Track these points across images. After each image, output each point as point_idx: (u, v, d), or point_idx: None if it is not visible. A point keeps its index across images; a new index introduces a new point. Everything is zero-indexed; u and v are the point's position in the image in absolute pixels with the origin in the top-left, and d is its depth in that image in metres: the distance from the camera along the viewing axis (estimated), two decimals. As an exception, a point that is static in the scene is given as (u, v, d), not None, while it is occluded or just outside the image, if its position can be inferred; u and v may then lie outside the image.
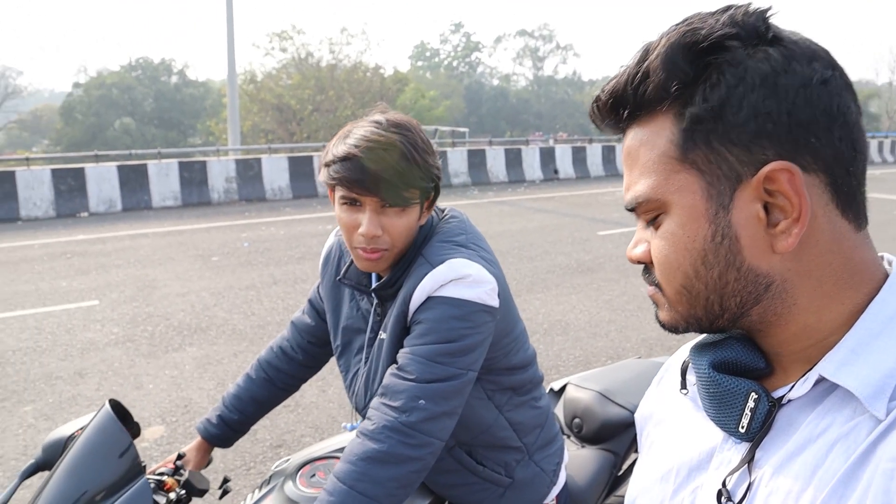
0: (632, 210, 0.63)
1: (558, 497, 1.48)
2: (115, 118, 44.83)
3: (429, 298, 1.23)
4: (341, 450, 1.51)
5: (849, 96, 0.56)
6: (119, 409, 1.31)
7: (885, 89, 55.83)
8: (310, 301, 1.60)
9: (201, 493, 1.39)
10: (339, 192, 1.25)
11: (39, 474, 1.37)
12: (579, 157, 17.27)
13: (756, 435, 0.58)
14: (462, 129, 31.13)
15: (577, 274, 6.90)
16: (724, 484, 0.60)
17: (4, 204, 11.40)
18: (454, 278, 1.22)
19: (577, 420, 1.78)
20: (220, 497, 1.48)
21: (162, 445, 3.40)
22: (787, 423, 0.58)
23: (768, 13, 0.57)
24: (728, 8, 0.57)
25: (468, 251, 1.28)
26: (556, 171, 16.70)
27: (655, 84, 0.57)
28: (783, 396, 0.58)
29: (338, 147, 1.23)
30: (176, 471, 1.42)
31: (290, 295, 6.15)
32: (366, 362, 1.39)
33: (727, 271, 0.58)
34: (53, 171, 11.94)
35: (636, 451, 1.78)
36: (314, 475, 1.44)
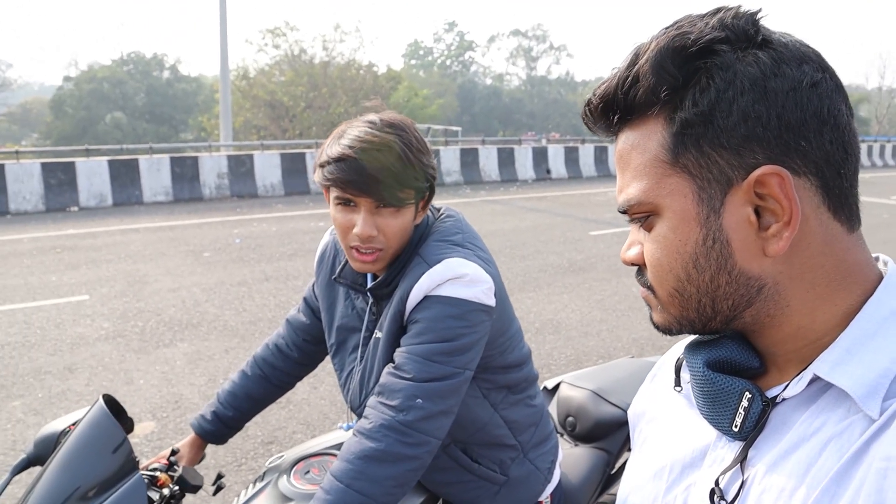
0: (624, 212, 0.63)
1: (552, 495, 1.49)
2: (106, 112, 44.51)
3: (426, 298, 1.23)
4: (336, 447, 1.51)
5: (839, 98, 0.56)
6: (113, 405, 1.30)
7: (874, 94, 56.21)
8: (305, 299, 1.60)
9: (195, 489, 1.39)
10: (333, 193, 1.25)
11: (31, 469, 1.36)
12: (572, 157, 17.30)
13: (749, 434, 0.59)
14: (455, 128, 31.10)
15: (569, 273, 6.92)
16: (716, 482, 0.60)
17: (-7, 197, 11.31)
18: (451, 277, 1.22)
19: (570, 418, 1.79)
20: (214, 493, 1.48)
21: (153, 441, 3.39)
22: (780, 421, 0.58)
23: (758, 16, 0.57)
24: (718, 10, 0.58)
25: (465, 250, 1.28)
26: (548, 171, 16.72)
27: (645, 89, 0.57)
28: (777, 395, 0.59)
29: (332, 147, 1.23)
30: (169, 467, 1.41)
31: (282, 291, 6.13)
32: (361, 361, 1.39)
33: (719, 275, 0.58)
34: (43, 164, 11.85)
35: (629, 449, 1.79)
36: (308, 472, 1.44)
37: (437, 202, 1.28)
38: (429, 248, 1.28)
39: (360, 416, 1.40)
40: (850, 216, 0.58)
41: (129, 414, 1.35)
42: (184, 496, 1.38)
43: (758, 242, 0.57)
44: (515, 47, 73.15)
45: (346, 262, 1.39)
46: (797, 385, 0.57)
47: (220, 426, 1.56)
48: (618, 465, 1.78)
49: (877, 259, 0.62)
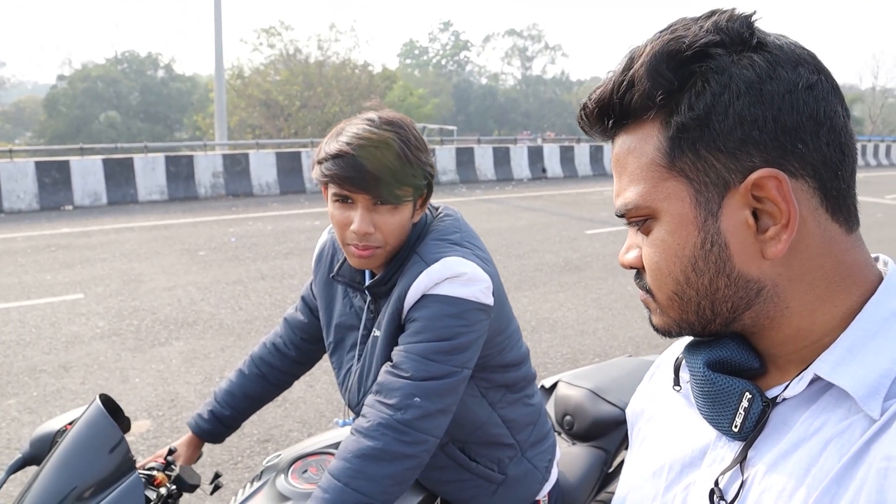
0: (622, 216, 0.63)
1: (550, 493, 1.49)
2: (101, 111, 44.38)
3: (424, 296, 1.23)
4: (333, 446, 1.51)
5: (835, 100, 0.56)
6: (109, 404, 1.30)
7: (868, 94, 56.45)
8: (303, 298, 1.60)
9: (192, 488, 1.38)
10: (331, 190, 1.25)
11: (27, 469, 1.36)
12: (567, 156, 17.32)
13: (749, 435, 0.59)
14: (450, 128, 31.12)
15: (565, 272, 6.92)
16: (716, 483, 0.60)
17: (-13, 196, 11.26)
18: (449, 276, 1.22)
19: (568, 417, 1.79)
20: (212, 493, 1.47)
21: (148, 440, 3.38)
22: (781, 421, 0.58)
23: (752, 18, 0.57)
24: (712, 13, 0.57)
25: (463, 249, 1.28)
26: (544, 170, 16.73)
27: (640, 93, 0.57)
28: (777, 396, 0.59)
29: (330, 144, 1.23)
30: (167, 466, 1.41)
31: (278, 290, 6.12)
32: (359, 359, 1.38)
33: (717, 278, 0.58)
34: (37, 163, 11.80)
35: (627, 448, 1.79)
36: (306, 471, 1.43)
37: (433, 201, 1.27)
38: (427, 247, 1.28)
39: (358, 414, 1.39)
40: (849, 217, 0.58)
41: (125, 413, 1.34)
42: (181, 495, 1.38)
43: (756, 245, 0.57)
44: (510, 47, 73.19)
45: (345, 260, 1.39)
46: (798, 385, 0.57)
47: (218, 425, 1.56)
48: (615, 463, 1.78)
49: (876, 259, 0.62)
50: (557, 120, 61.59)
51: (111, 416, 1.24)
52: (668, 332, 0.65)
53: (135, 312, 5.48)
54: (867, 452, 0.51)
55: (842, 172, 0.56)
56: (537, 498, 1.46)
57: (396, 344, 1.26)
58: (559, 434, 1.81)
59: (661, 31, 0.59)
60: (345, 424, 1.57)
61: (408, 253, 1.30)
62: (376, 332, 1.33)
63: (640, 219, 0.62)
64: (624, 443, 1.76)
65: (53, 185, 11.70)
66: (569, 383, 1.85)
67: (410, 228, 1.31)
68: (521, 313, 5.44)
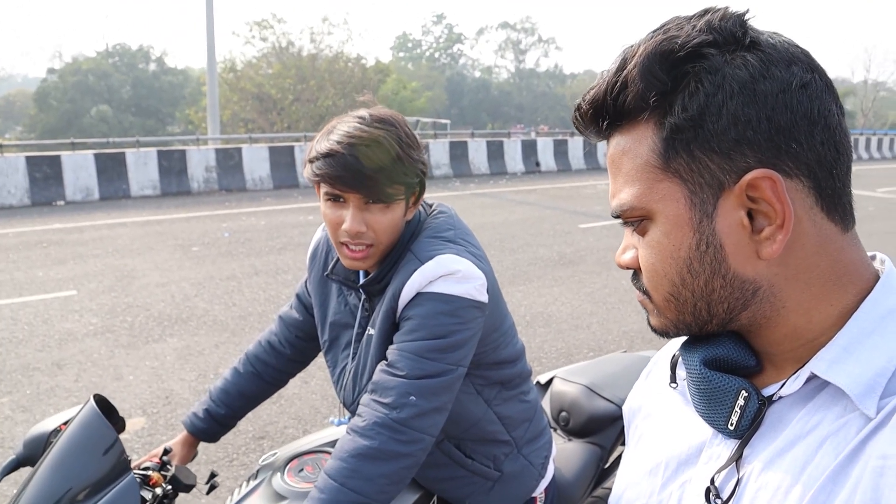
0: (618, 217, 0.63)
1: (546, 490, 1.49)
2: (92, 105, 44.09)
3: (418, 294, 1.23)
4: (329, 444, 1.51)
5: (829, 98, 0.56)
6: (103, 404, 1.29)
7: (860, 87, 56.65)
8: (297, 296, 1.59)
9: (188, 488, 1.38)
10: (323, 189, 1.25)
11: (21, 470, 1.35)
12: (561, 149, 17.32)
13: (745, 433, 0.59)
14: (444, 121, 31.04)
15: (559, 266, 6.93)
16: (712, 481, 0.61)
17: (-22, 192, 11.18)
18: (443, 274, 1.22)
19: (563, 413, 1.79)
20: (208, 492, 1.47)
21: (143, 437, 3.37)
22: (777, 419, 0.58)
23: (745, 17, 0.57)
24: (705, 12, 0.57)
25: (457, 247, 1.28)
26: (537, 164, 16.73)
27: (634, 94, 0.57)
28: (773, 394, 0.59)
29: (321, 143, 1.23)
30: (162, 466, 1.40)
31: (272, 286, 6.11)
32: (353, 358, 1.38)
33: (713, 279, 0.58)
34: (28, 158, 11.72)
35: (623, 444, 1.80)
36: (302, 469, 1.43)
37: (426, 196, 1.27)
38: (421, 245, 1.28)
39: (353, 412, 1.39)
40: (844, 216, 0.58)
41: (119, 410, 1.34)
42: (177, 495, 1.37)
43: (751, 245, 0.56)
44: (504, 40, 73.09)
45: (339, 258, 1.39)
46: (794, 383, 0.57)
47: (213, 424, 1.55)
48: (611, 459, 1.79)
49: (873, 258, 0.62)
50: (551, 113, 61.59)
51: (105, 416, 1.23)
52: (666, 333, 0.65)
53: (128, 309, 5.46)
54: (863, 450, 0.51)
55: (837, 171, 0.56)
56: (534, 494, 1.46)
57: (391, 342, 1.26)
58: (555, 430, 1.81)
59: (653, 31, 0.58)
60: (340, 423, 1.57)
61: (402, 251, 1.29)
62: (371, 331, 1.33)
63: (636, 219, 0.61)
64: (620, 438, 1.76)
65: (45, 180, 11.63)
66: (564, 379, 1.85)
67: (404, 226, 1.30)
68: (515, 308, 5.45)
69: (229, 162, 13.22)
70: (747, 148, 0.54)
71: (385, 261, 1.30)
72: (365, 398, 1.22)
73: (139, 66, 48.86)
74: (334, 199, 1.23)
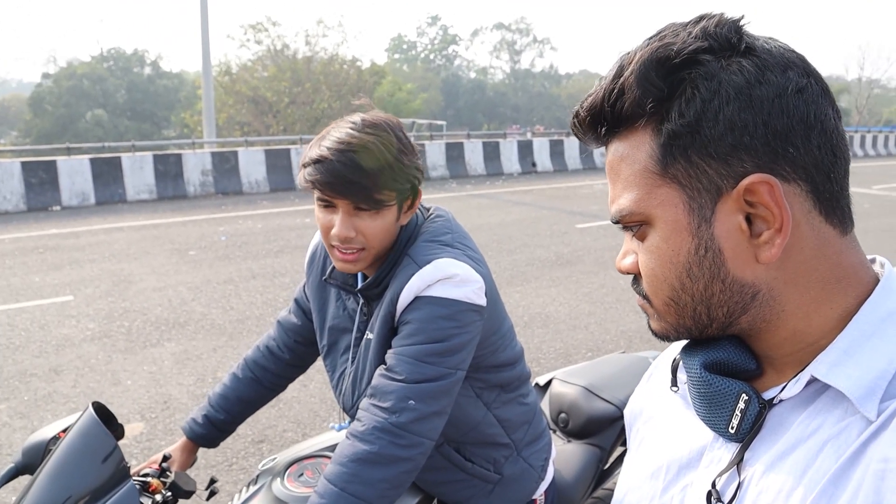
0: (617, 223, 0.63)
1: (546, 492, 1.49)
2: (87, 110, 43.98)
3: (416, 298, 1.23)
4: (329, 448, 1.51)
5: (826, 102, 0.56)
6: (102, 412, 1.29)
7: (854, 85, 56.83)
8: (296, 300, 1.59)
9: (188, 494, 1.38)
10: (315, 194, 1.25)
11: (20, 478, 1.35)
12: (557, 150, 17.34)
13: (746, 436, 0.59)
14: (439, 122, 31.09)
15: (557, 267, 6.94)
16: (713, 484, 0.61)
17: (-27, 198, 11.14)
18: (441, 278, 1.22)
19: (563, 415, 1.79)
20: (207, 498, 1.47)
21: (142, 442, 3.36)
22: (777, 422, 0.58)
23: (741, 23, 0.57)
24: (701, 19, 0.58)
25: (455, 250, 1.28)
26: (534, 165, 16.74)
27: (631, 101, 0.57)
28: (774, 397, 0.59)
29: (312, 149, 1.23)
30: (162, 472, 1.40)
31: (269, 289, 6.10)
32: (352, 362, 1.38)
33: (712, 283, 0.59)
34: (23, 163, 11.68)
35: (622, 444, 1.80)
36: (302, 474, 1.43)
37: (423, 197, 1.27)
38: (418, 249, 1.28)
39: (352, 417, 1.39)
40: (843, 219, 0.58)
41: (118, 415, 1.34)
42: (177, 501, 1.37)
43: (750, 250, 0.57)
44: (499, 41, 73.11)
45: None
46: (794, 386, 0.58)
47: (212, 430, 1.55)
48: (611, 460, 1.79)
49: (872, 261, 0.63)
50: (546, 114, 61.64)
51: (104, 423, 1.23)
52: (667, 337, 0.65)
53: (125, 314, 5.45)
54: (864, 454, 0.51)
55: (834, 175, 0.56)
56: (534, 497, 1.47)
57: (390, 346, 1.26)
58: (554, 432, 1.81)
59: (649, 38, 0.59)
60: (341, 429, 1.57)
61: (399, 255, 1.29)
62: (369, 335, 1.33)
63: (635, 225, 0.62)
64: (619, 439, 1.76)
65: (40, 185, 11.60)
66: (563, 381, 1.85)
67: (398, 231, 1.30)
68: (513, 309, 5.45)
69: (225, 165, 13.20)
70: (744, 153, 0.55)
71: (383, 265, 1.30)
72: (364, 403, 1.22)
73: (134, 70, 48.75)
74: (325, 204, 1.24)
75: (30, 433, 3.36)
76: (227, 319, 5.25)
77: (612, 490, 1.80)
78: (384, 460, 1.15)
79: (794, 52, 0.57)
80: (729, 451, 0.61)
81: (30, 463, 1.33)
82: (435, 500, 1.46)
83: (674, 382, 0.71)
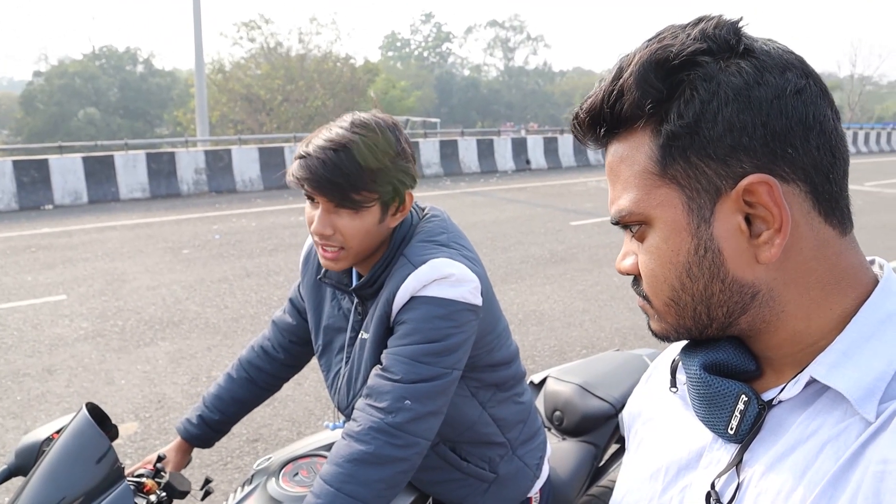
0: (617, 224, 0.64)
1: (541, 490, 1.50)
2: (79, 108, 43.78)
3: (412, 298, 1.23)
4: (324, 448, 1.50)
5: (824, 103, 0.56)
6: (96, 413, 1.28)
7: (846, 81, 57.03)
8: (291, 300, 1.59)
9: (182, 494, 1.37)
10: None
11: (14, 480, 1.34)
12: (551, 147, 17.35)
13: (745, 437, 0.59)
14: (433, 120, 31.03)
15: (551, 264, 6.94)
16: (712, 485, 0.61)
17: (-35, 196, 11.08)
18: (437, 278, 1.22)
19: (557, 413, 1.80)
20: (202, 498, 1.46)
21: (136, 442, 3.35)
22: (777, 423, 0.58)
23: (739, 24, 0.57)
24: (700, 21, 0.58)
25: (450, 250, 1.28)
26: (528, 162, 16.75)
27: (630, 102, 0.57)
28: (773, 398, 0.59)
29: (301, 146, 1.24)
30: (156, 472, 1.40)
31: (264, 287, 6.09)
32: (347, 362, 1.38)
33: (712, 283, 0.59)
34: (15, 162, 11.62)
35: (617, 442, 1.80)
36: (297, 474, 1.43)
37: (417, 195, 1.26)
38: (414, 249, 1.27)
39: (348, 417, 1.39)
40: (842, 219, 0.58)
41: (112, 415, 1.33)
42: (171, 502, 1.37)
43: (750, 250, 0.57)
44: (493, 38, 73.15)
45: None
46: (794, 388, 0.58)
47: (207, 430, 1.55)
48: (605, 458, 1.79)
49: (872, 262, 0.63)
50: (540, 111, 61.70)
51: (98, 424, 1.23)
52: (667, 337, 0.65)
53: (119, 313, 5.43)
54: (863, 455, 0.51)
55: (833, 175, 0.56)
56: (529, 495, 1.47)
57: (385, 346, 1.26)
58: (549, 430, 1.81)
59: (648, 40, 0.59)
60: (335, 427, 1.57)
61: (394, 255, 1.29)
62: (364, 335, 1.32)
63: (635, 225, 0.62)
64: (614, 437, 1.77)
65: (32, 184, 11.54)
66: (558, 379, 1.86)
67: (384, 233, 1.28)
68: (507, 306, 5.45)
69: (219, 163, 13.16)
70: (743, 154, 0.55)
71: (377, 264, 1.30)
72: (360, 403, 1.22)
73: (126, 68, 48.55)
74: (311, 199, 1.25)
75: (23, 434, 3.35)
76: (221, 318, 5.23)
77: (607, 487, 1.81)
78: (380, 460, 1.15)
79: (792, 53, 0.58)
80: (728, 452, 0.61)
81: (23, 464, 1.32)
82: (430, 500, 1.46)
83: (673, 383, 0.71)
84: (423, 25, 72.37)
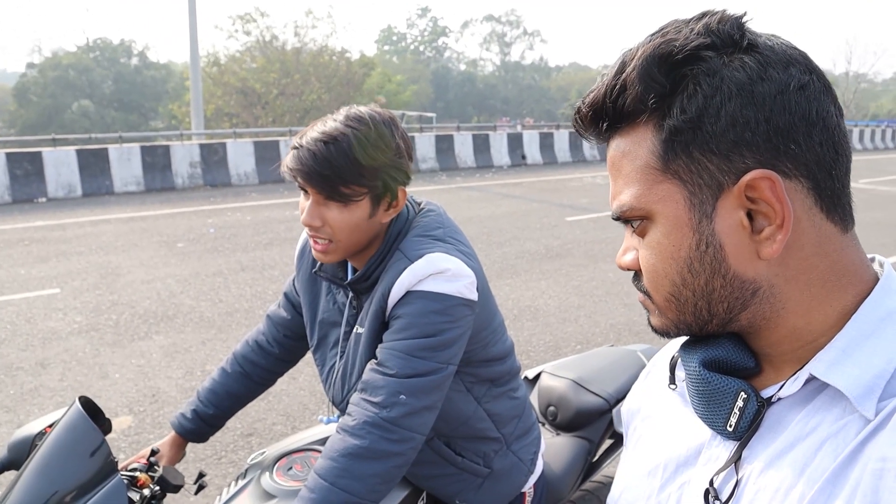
0: (618, 219, 0.63)
1: (535, 485, 1.50)
2: (73, 100, 43.58)
3: (408, 293, 1.23)
4: (318, 442, 1.50)
5: (828, 99, 0.56)
6: (89, 406, 1.28)
7: (842, 79, 57.19)
8: (285, 294, 1.58)
9: (176, 488, 1.37)
10: None
11: (6, 474, 1.34)
12: (546, 142, 17.35)
13: (744, 434, 0.59)
14: (429, 114, 30.93)
15: (546, 259, 6.95)
16: (711, 482, 0.61)
17: (-43, 189, 11.02)
18: (433, 273, 1.21)
19: (551, 408, 1.80)
20: (196, 492, 1.46)
21: (130, 436, 3.35)
22: (776, 421, 0.58)
23: (743, 20, 0.57)
24: (703, 15, 0.57)
25: (446, 245, 1.27)
26: (523, 157, 16.75)
27: (633, 97, 0.57)
28: (773, 395, 0.59)
29: (297, 138, 1.24)
30: (150, 467, 1.39)
31: (258, 281, 6.08)
32: (341, 356, 1.38)
33: (713, 278, 0.58)
34: (8, 154, 11.55)
35: (610, 437, 1.81)
36: (291, 468, 1.43)
37: (412, 189, 1.26)
38: (409, 244, 1.27)
39: (342, 411, 1.39)
40: (844, 216, 0.58)
41: (105, 409, 1.32)
42: (164, 496, 1.36)
43: (751, 246, 0.57)
44: (489, 33, 73.03)
45: None
46: (793, 385, 0.57)
47: (201, 424, 1.54)
48: (599, 452, 1.80)
49: (872, 260, 0.63)
50: (536, 106, 61.68)
51: (91, 417, 1.22)
52: (667, 333, 0.65)
53: (113, 306, 5.41)
54: (862, 452, 0.51)
55: (836, 172, 0.56)
56: (523, 490, 1.47)
57: (380, 341, 1.25)
58: (543, 425, 1.81)
59: (652, 35, 0.58)
60: (329, 422, 1.57)
61: (390, 249, 1.29)
62: (359, 329, 1.32)
63: (636, 220, 0.62)
64: (607, 432, 1.77)
65: (26, 176, 11.48)
66: (552, 374, 1.86)
67: (375, 228, 1.28)
68: (502, 301, 5.45)
69: (214, 157, 13.11)
70: (746, 149, 0.54)
71: (372, 258, 1.29)
72: (355, 397, 1.21)
73: (121, 60, 48.33)
74: (304, 190, 1.25)
75: (16, 428, 3.33)
76: (215, 312, 5.22)
77: (601, 482, 1.81)
78: (375, 455, 1.15)
79: (796, 49, 0.57)
80: (727, 449, 0.61)
81: (16, 458, 1.32)
82: (424, 494, 1.46)
83: (672, 380, 0.71)
84: (419, 20, 72.14)
